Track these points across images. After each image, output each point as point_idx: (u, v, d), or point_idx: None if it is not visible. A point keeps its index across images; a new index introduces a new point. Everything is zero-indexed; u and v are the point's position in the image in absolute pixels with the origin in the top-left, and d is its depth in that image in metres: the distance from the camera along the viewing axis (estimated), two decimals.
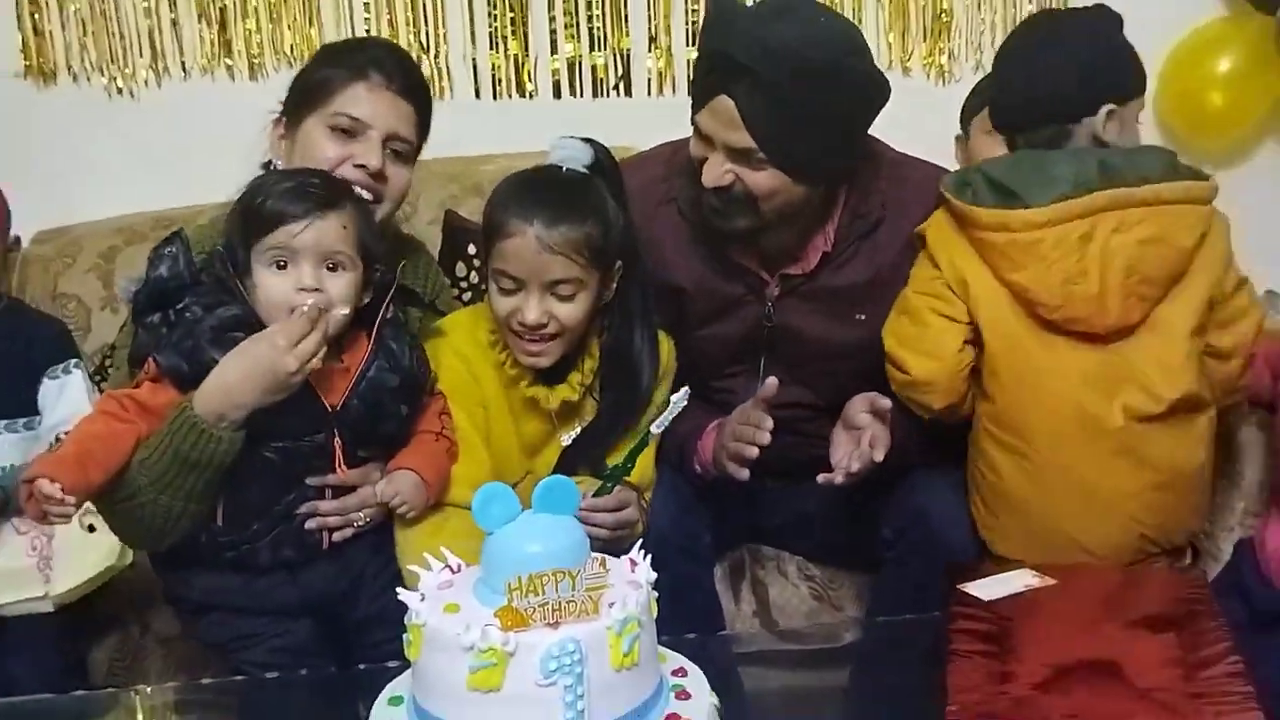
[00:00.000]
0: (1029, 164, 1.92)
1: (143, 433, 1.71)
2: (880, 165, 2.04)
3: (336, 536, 1.82)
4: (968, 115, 2.32)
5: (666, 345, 2.00)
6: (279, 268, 1.72)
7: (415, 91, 1.96)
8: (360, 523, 1.81)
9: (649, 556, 1.35)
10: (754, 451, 1.89)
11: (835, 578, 2.22)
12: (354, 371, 1.77)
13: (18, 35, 2.72)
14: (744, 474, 1.93)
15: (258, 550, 1.79)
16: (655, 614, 1.33)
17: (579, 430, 1.93)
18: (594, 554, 1.32)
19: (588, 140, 1.88)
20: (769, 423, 1.88)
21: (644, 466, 1.94)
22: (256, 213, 1.73)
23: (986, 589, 1.66)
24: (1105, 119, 1.93)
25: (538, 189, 1.83)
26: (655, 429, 1.70)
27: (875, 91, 1.91)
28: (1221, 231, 1.94)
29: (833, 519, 2.10)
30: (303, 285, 1.71)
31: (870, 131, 2.00)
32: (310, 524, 1.80)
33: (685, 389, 1.70)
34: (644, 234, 1.97)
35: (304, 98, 1.92)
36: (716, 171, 1.89)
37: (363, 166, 1.88)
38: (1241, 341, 1.97)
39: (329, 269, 1.74)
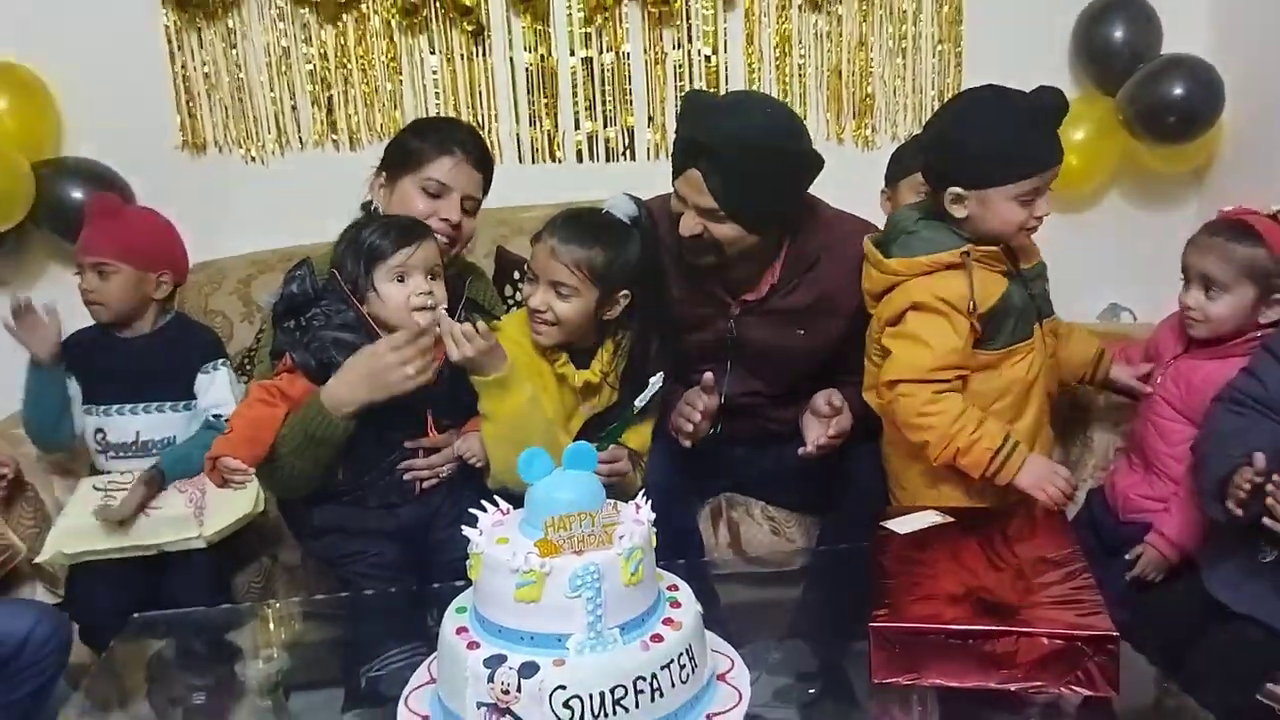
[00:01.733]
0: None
1: (284, 413, 1.75)
2: (817, 218, 2.03)
3: (426, 485, 1.84)
4: (893, 177, 2.31)
5: None
6: (399, 280, 1.77)
7: (485, 163, 1.98)
8: (443, 474, 1.84)
9: (650, 501, 1.35)
10: (689, 425, 1.91)
11: (790, 518, 2.21)
12: (440, 359, 1.78)
13: (177, 117, 2.73)
14: (686, 442, 1.93)
15: (368, 495, 1.82)
16: (654, 544, 1.33)
17: (599, 407, 1.92)
18: (608, 500, 1.32)
19: (637, 200, 1.87)
20: (702, 404, 1.91)
21: (642, 437, 1.94)
22: (376, 244, 1.77)
23: (902, 525, 1.66)
24: (952, 200, 1.78)
25: (574, 216, 1.84)
26: (637, 405, 1.70)
27: (810, 165, 1.90)
28: (895, 301, 1.83)
29: (786, 477, 2.11)
30: (420, 290, 1.77)
31: (811, 191, 2.00)
32: (408, 476, 1.82)
33: (661, 374, 1.70)
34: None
35: (403, 160, 1.93)
36: (689, 224, 1.89)
37: (446, 220, 1.90)
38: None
39: (431, 278, 1.78)
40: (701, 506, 2.21)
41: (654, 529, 1.33)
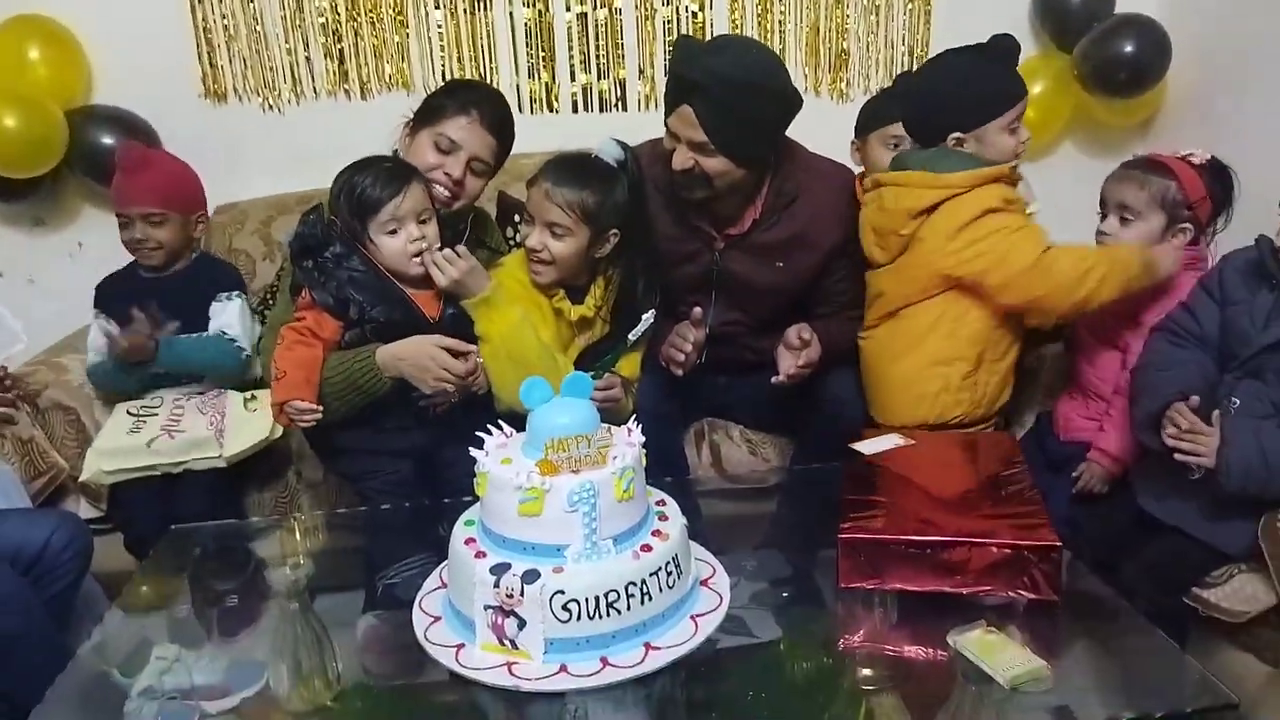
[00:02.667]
0: (898, 154, 1.96)
1: (322, 352, 1.76)
2: (795, 159, 2.00)
3: (439, 410, 1.84)
4: (864, 128, 2.27)
5: None
6: (391, 234, 1.74)
7: (501, 129, 1.91)
8: (455, 399, 1.82)
9: (640, 426, 1.35)
10: (680, 356, 1.90)
11: (767, 440, 2.21)
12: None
13: (199, 67, 2.66)
14: (678, 372, 1.92)
15: (385, 418, 1.83)
16: (644, 464, 1.33)
17: (594, 338, 1.91)
18: (603, 424, 1.32)
19: (623, 145, 1.84)
20: (692, 336, 1.90)
21: (633, 366, 1.93)
22: (366, 197, 1.73)
23: (868, 447, 1.66)
24: (954, 144, 1.86)
25: (566, 161, 1.81)
26: (631, 338, 1.69)
27: (792, 102, 1.88)
28: (960, 209, 1.81)
29: (763, 402, 2.10)
30: (413, 239, 1.74)
31: (790, 136, 1.97)
32: (422, 403, 1.82)
33: (653, 310, 1.68)
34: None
35: (426, 114, 1.90)
36: (682, 158, 1.86)
37: (449, 175, 1.86)
38: (985, 280, 1.82)
39: (422, 222, 1.75)
40: (686, 430, 2.21)
41: (644, 450, 1.33)
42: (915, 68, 2.82)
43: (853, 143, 2.30)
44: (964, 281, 1.83)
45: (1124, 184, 1.86)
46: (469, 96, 1.89)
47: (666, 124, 1.89)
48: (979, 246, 1.79)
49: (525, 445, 1.31)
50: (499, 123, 1.90)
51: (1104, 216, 1.91)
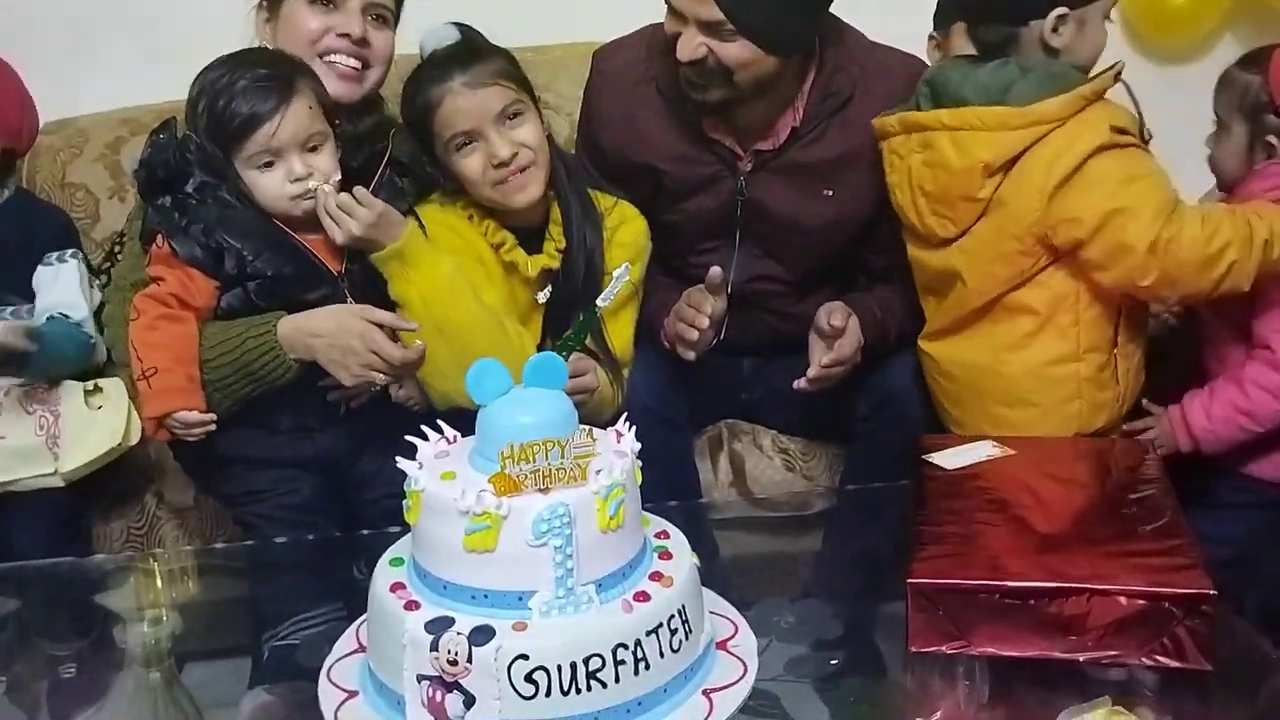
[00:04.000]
0: (932, 72, 1.92)
1: (195, 325, 1.77)
2: (852, 48, 2.01)
3: (355, 404, 1.85)
4: (942, 20, 2.26)
5: (637, 225, 1.99)
6: (266, 167, 1.75)
7: None
8: (377, 385, 1.82)
9: (633, 428, 1.35)
10: (694, 334, 1.90)
11: (808, 449, 2.22)
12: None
13: None
14: (689, 355, 1.93)
15: (279, 416, 1.84)
16: (639, 481, 1.33)
17: (550, 290, 1.95)
18: (582, 425, 1.32)
19: (454, 24, 1.91)
20: (709, 307, 1.89)
21: (623, 341, 1.94)
22: (227, 120, 1.73)
23: (950, 459, 1.67)
24: (1055, 23, 1.82)
25: (435, 63, 1.86)
26: (601, 303, 1.69)
27: None
28: (1060, 153, 1.78)
29: (802, 397, 2.09)
30: (295, 177, 1.75)
31: (841, 19, 2.00)
32: (332, 396, 1.83)
33: (625, 265, 1.68)
34: (621, 111, 1.99)
35: None
36: (690, 45, 1.86)
37: (346, 35, 1.86)
38: (1084, 251, 1.82)
39: (310, 151, 1.77)
40: (699, 435, 2.22)
41: (639, 461, 1.33)
42: None
43: (931, 37, 2.29)
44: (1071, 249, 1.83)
45: (1220, 88, 1.97)
46: None
47: (669, 3, 1.89)
48: (1084, 204, 1.77)
49: (474, 454, 1.30)
50: None
51: None
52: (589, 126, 2.11)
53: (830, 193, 2.00)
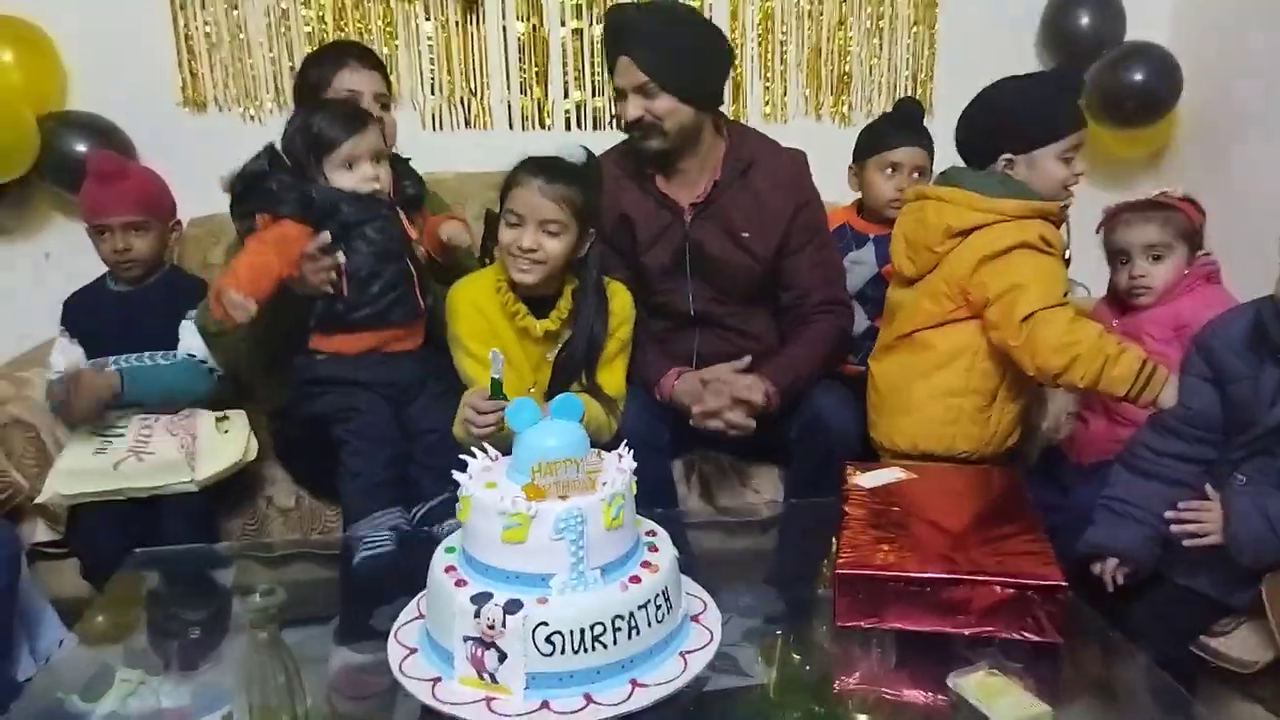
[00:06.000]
0: (948, 169, 1.99)
1: (280, 267, 1.77)
2: (746, 132, 2.15)
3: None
4: (861, 154, 2.30)
5: (625, 298, 1.99)
6: (349, 168, 1.84)
7: (379, 65, 2.12)
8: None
9: (631, 451, 1.36)
10: (739, 420, 1.94)
11: (757, 471, 2.20)
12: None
13: (179, 75, 2.68)
14: (736, 433, 1.95)
15: (380, 312, 1.87)
16: (635, 492, 1.33)
17: (560, 350, 1.94)
18: (593, 448, 1.33)
19: (584, 148, 1.90)
20: (753, 390, 1.95)
21: (616, 382, 1.95)
22: (321, 137, 1.83)
23: (868, 480, 1.66)
24: (1004, 165, 1.88)
25: (544, 161, 1.85)
26: (496, 376, 1.72)
27: (724, 42, 2.09)
28: (997, 237, 1.80)
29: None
30: (367, 177, 1.85)
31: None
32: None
33: (495, 350, 1.72)
34: (612, 187, 2.03)
35: (312, 90, 2.06)
36: (632, 108, 1.98)
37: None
38: (997, 317, 1.82)
39: (376, 162, 1.87)
40: (675, 459, 2.19)
41: (635, 477, 1.33)
42: (917, 93, 2.89)
43: (850, 167, 2.33)
44: (980, 309, 1.85)
45: (1143, 227, 1.92)
46: (336, 54, 2.09)
47: (614, 87, 2.03)
48: (997, 276, 1.80)
49: (511, 469, 1.31)
50: (374, 60, 2.12)
51: (1125, 261, 1.95)
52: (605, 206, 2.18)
53: (747, 235, 2.06)
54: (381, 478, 1.79)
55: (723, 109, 2.14)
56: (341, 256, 1.83)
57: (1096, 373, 1.73)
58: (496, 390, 1.73)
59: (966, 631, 1.36)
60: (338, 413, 1.85)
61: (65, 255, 2.59)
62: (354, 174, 1.84)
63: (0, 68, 2.47)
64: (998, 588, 1.35)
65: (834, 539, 1.50)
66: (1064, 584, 1.34)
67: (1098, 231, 2.01)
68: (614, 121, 2.84)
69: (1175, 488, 1.66)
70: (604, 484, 1.27)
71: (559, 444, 1.27)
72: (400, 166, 2.06)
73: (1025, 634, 1.34)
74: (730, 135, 2.10)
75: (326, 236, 1.81)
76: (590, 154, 1.89)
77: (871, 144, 2.27)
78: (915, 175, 2.22)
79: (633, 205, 2.07)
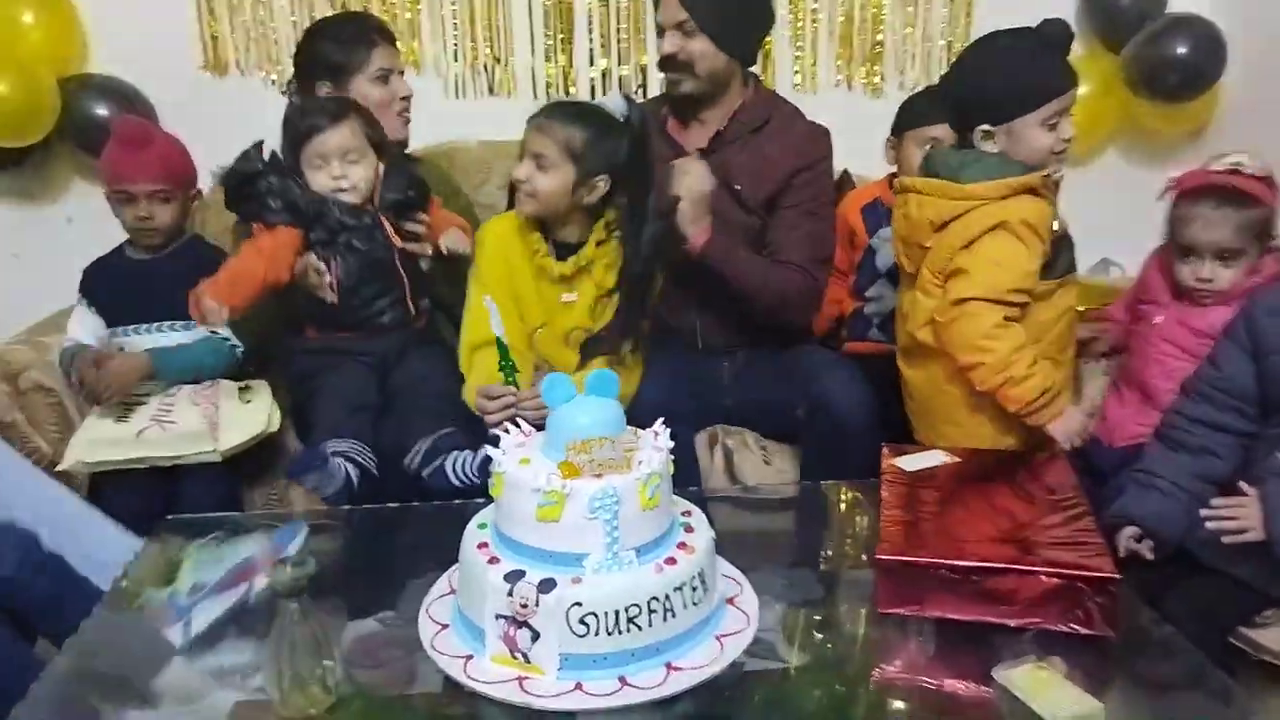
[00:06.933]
0: (930, 152, 1.90)
1: (267, 272, 1.80)
2: (774, 97, 2.16)
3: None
4: (900, 127, 2.23)
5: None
6: (319, 167, 1.84)
7: (392, 35, 2.13)
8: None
9: (669, 430, 1.30)
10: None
11: (779, 449, 2.12)
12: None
13: (200, 40, 2.64)
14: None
15: (368, 318, 1.89)
16: (672, 471, 1.28)
17: (593, 324, 1.93)
18: (629, 425, 1.28)
19: (630, 100, 1.88)
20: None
21: (630, 383, 1.91)
22: (297, 128, 1.85)
23: (910, 463, 1.60)
24: (981, 137, 1.75)
25: (565, 102, 1.96)
26: (498, 332, 1.76)
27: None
28: (974, 221, 1.70)
29: (768, 404, 2.07)
30: (334, 176, 1.84)
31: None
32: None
33: (488, 298, 1.78)
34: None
35: (340, 68, 2.03)
36: (667, 43, 2.00)
37: (406, 98, 2.10)
38: (935, 303, 1.76)
39: (350, 162, 1.84)
40: (698, 432, 2.12)
41: (671, 455, 1.28)
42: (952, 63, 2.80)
43: (887, 140, 2.26)
44: None
45: (1217, 227, 1.76)
46: (360, 31, 2.06)
47: (656, 24, 2.04)
48: (965, 256, 1.71)
49: (545, 445, 1.26)
50: (389, 31, 2.14)
51: (1193, 257, 1.80)
52: None
53: (739, 188, 2.04)
54: (343, 418, 1.78)
55: (755, 70, 2.13)
56: (324, 267, 1.83)
57: (996, 385, 1.70)
58: (508, 373, 1.71)
59: (1012, 622, 1.30)
60: (313, 375, 1.87)
61: (87, 220, 2.54)
62: (321, 174, 1.83)
63: (20, 29, 2.43)
64: (1045, 577, 1.29)
65: (870, 522, 1.45)
66: (1116, 575, 1.29)
67: (1160, 198, 1.85)
68: (640, 90, 2.77)
69: (1204, 457, 1.61)
70: (640, 463, 1.22)
71: (593, 421, 1.22)
72: (398, 167, 1.98)
73: (1075, 626, 1.29)
74: (755, 94, 2.10)
75: (312, 257, 1.83)
76: (631, 109, 1.86)
77: (911, 116, 2.19)
78: None
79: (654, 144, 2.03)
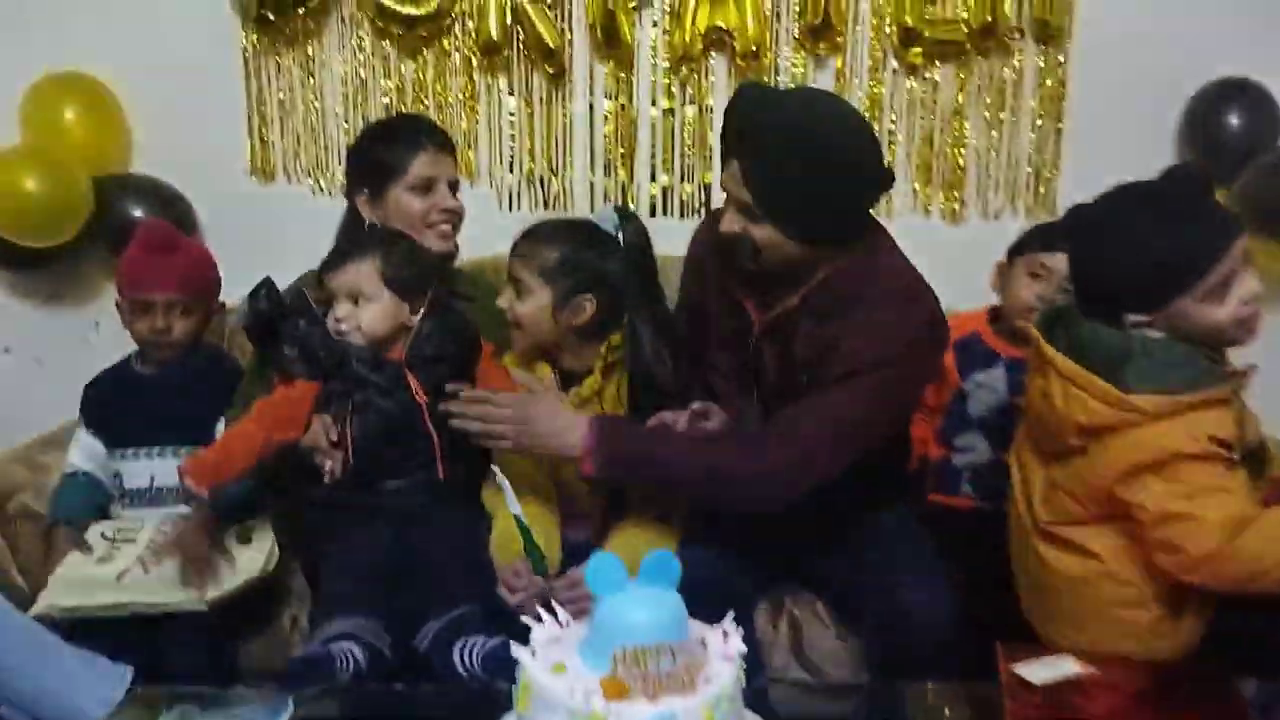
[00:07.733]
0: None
1: (267, 435, 1.59)
2: (873, 264, 1.61)
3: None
4: (1016, 251, 1.97)
5: None
6: (327, 304, 1.68)
7: (449, 145, 1.94)
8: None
9: (740, 629, 1.03)
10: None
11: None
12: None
13: (248, 143, 2.55)
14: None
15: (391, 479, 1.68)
16: (744, 684, 1.01)
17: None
18: (691, 620, 1.01)
19: (623, 213, 1.74)
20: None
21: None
22: (325, 263, 1.71)
23: (1035, 672, 1.29)
24: (1130, 325, 1.41)
25: (546, 221, 1.76)
26: (514, 510, 1.55)
27: (870, 175, 1.55)
28: (1145, 444, 1.37)
29: (842, 568, 1.74)
30: (337, 317, 1.65)
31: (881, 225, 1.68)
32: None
33: (497, 470, 1.56)
34: (694, 267, 1.82)
35: (383, 173, 1.85)
36: (728, 221, 1.58)
37: (447, 210, 1.87)
38: (1158, 545, 1.39)
39: (356, 303, 1.65)
40: (759, 600, 1.81)
41: (745, 665, 1.01)
42: (1040, 191, 2.59)
43: (997, 263, 2.01)
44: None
45: None
46: (411, 133, 1.89)
47: (721, 182, 1.63)
48: (1154, 496, 1.38)
49: (585, 646, 0.99)
50: (446, 140, 1.94)
51: None
52: (686, 278, 1.88)
53: (805, 380, 1.61)
54: (352, 590, 1.55)
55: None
56: (334, 434, 1.63)
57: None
58: (536, 562, 1.53)
59: None
60: (322, 535, 1.66)
61: (116, 326, 2.39)
62: (330, 316, 1.66)
63: (61, 125, 2.34)
64: None
65: None
66: None
67: None
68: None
69: None
70: (706, 681, 0.95)
71: (651, 621, 0.96)
72: (442, 317, 1.71)
73: None
74: (850, 263, 1.60)
75: (327, 419, 1.64)
76: (624, 222, 1.72)
77: (1030, 240, 1.95)
78: (1068, 286, 1.88)
79: (710, 296, 1.76)
